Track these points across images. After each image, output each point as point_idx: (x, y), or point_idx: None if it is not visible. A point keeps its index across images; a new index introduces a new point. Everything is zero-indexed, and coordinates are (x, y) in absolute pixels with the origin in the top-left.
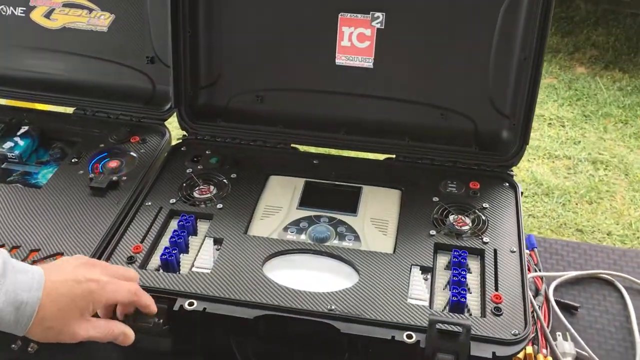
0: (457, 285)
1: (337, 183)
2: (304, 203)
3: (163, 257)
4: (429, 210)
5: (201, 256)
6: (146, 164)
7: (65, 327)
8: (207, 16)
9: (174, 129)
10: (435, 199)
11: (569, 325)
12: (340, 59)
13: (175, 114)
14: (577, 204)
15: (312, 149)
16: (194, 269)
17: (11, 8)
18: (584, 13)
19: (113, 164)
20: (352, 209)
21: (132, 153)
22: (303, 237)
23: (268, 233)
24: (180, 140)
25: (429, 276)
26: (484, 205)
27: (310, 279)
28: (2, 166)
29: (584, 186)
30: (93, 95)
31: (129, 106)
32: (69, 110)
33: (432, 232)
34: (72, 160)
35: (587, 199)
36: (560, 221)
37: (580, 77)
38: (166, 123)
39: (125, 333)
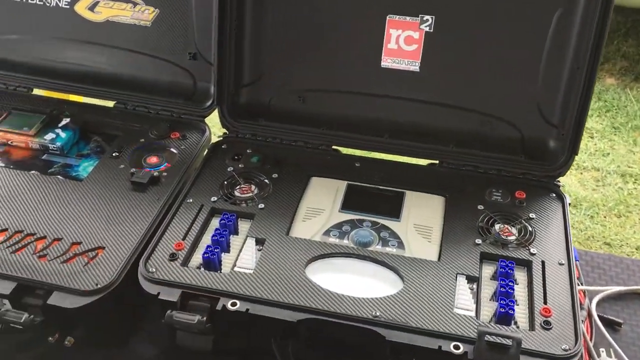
0: (505, 297)
1: (379, 187)
2: (346, 206)
3: (205, 255)
4: (474, 218)
5: (243, 256)
6: (186, 161)
7: None
8: (253, 13)
9: (214, 125)
10: (480, 207)
11: (612, 342)
12: (386, 62)
13: (215, 111)
14: (605, 217)
15: (354, 152)
16: (236, 269)
17: (56, 0)
18: (614, 24)
19: (153, 159)
20: (395, 214)
21: (172, 149)
22: (346, 240)
23: (310, 235)
24: (221, 138)
25: (474, 286)
26: (530, 215)
27: (353, 283)
28: (43, 157)
29: (612, 199)
30: (134, 90)
31: (169, 102)
32: (109, 103)
33: (478, 240)
34: (113, 154)
35: (616, 212)
36: (588, 234)
37: (610, 89)
38: (206, 120)
39: None
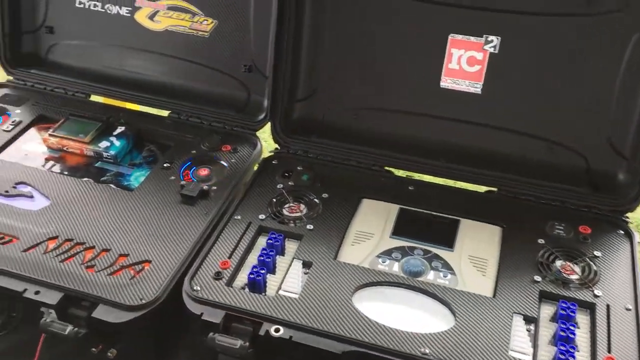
0: (565, 342)
1: (433, 213)
2: (397, 232)
3: (251, 276)
4: (533, 252)
5: (289, 279)
6: (236, 175)
7: None
8: (311, 29)
9: (264, 139)
10: (541, 241)
11: None
12: (446, 82)
13: (267, 125)
14: None
15: (408, 174)
16: (281, 292)
17: (117, 7)
18: None
19: (204, 171)
20: (449, 243)
21: (222, 162)
22: (395, 268)
23: (359, 261)
24: (272, 153)
25: (532, 327)
26: (595, 253)
27: (402, 315)
28: (97, 165)
29: None
30: (188, 100)
31: (222, 113)
32: (163, 112)
33: (537, 277)
34: (164, 165)
35: None
36: None
37: None
38: (257, 133)
39: None
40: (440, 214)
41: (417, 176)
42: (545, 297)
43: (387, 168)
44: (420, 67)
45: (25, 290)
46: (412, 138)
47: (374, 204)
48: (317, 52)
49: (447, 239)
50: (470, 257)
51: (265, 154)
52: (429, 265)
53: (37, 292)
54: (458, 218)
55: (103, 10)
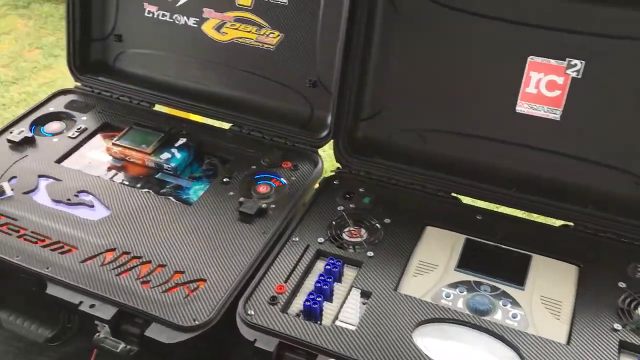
0: None
1: (502, 246)
2: (463, 264)
3: (307, 303)
4: (612, 297)
5: (346, 309)
6: (296, 194)
7: None
8: (381, 46)
9: (325, 157)
10: (622, 284)
11: None
12: (522, 107)
13: (330, 142)
14: None
15: (476, 202)
16: (337, 322)
17: (185, 17)
18: None
19: (263, 188)
20: (519, 280)
21: (282, 179)
22: (460, 304)
23: (421, 294)
24: (334, 173)
25: None
26: None
27: (466, 357)
28: (157, 176)
29: None
30: (250, 113)
31: (284, 128)
32: (224, 124)
33: (617, 325)
34: (224, 180)
35: None
36: None
37: None
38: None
39: None
40: (510, 248)
41: (485, 205)
42: (625, 347)
43: (453, 195)
44: (494, 90)
45: (80, 302)
46: (482, 164)
47: (439, 232)
48: (385, 70)
49: (517, 276)
50: (542, 298)
51: (326, 171)
52: (496, 304)
53: (92, 306)
54: (530, 253)
55: (171, 20)
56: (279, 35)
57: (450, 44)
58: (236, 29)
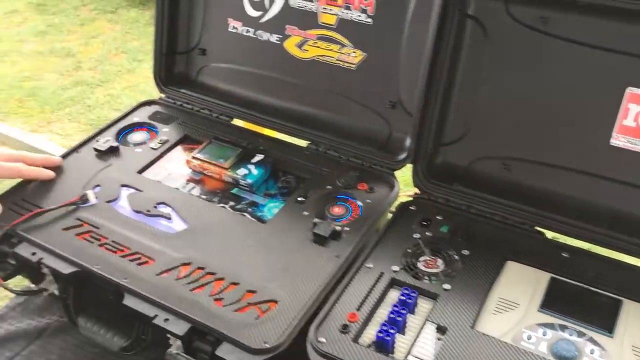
0: None
1: (590, 288)
2: (547, 305)
3: (379, 335)
4: None
5: (420, 343)
6: (370, 217)
7: None
8: (467, 70)
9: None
10: None
11: None
12: (617, 140)
13: (405, 166)
14: None
15: (563, 238)
16: (410, 358)
17: (268, 34)
18: None
19: (337, 210)
20: (608, 326)
21: (358, 201)
22: (543, 349)
23: (500, 333)
24: (411, 199)
25: None
26: None
27: None
28: (233, 191)
29: None
30: (328, 132)
31: (361, 149)
32: (300, 142)
33: None
34: (298, 199)
35: None
36: None
37: None
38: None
39: None
40: (600, 290)
41: (572, 241)
42: None
43: (538, 229)
44: (587, 121)
45: (155, 316)
46: (570, 198)
47: (521, 268)
48: (470, 95)
49: (606, 322)
50: (634, 349)
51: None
52: (583, 351)
53: (166, 320)
54: (620, 298)
55: (254, 36)
56: (361, 55)
57: (542, 70)
58: (318, 47)
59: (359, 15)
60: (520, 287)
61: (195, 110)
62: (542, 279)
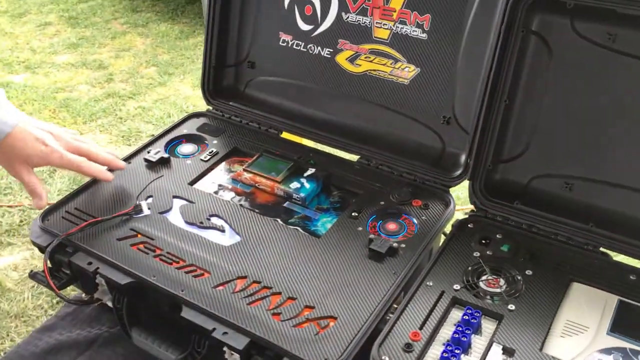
0: None
1: None
2: (617, 329)
3: (444, 355)
4: None
5: None
6: (426, 234)
7: (11, 164)
8: (528, 85)
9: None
10: None
11: None
12: None
13: (461, 183)
14: None
15: (630, 261)
16: None
17: (319, 48)
18: None
19: (392, 226)
20: None
21: (412, 218)
22: None
23: (569, 358)
24: (467, 216)
25: None
26: None
27: None
28: (284, 205)
29: None
30: (379, 147)
31: (414, 164)
32: (350, 156)
33: None
34: (352, 214)
35: None
36: None
37: None
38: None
39: (35, 192)
40: None
41: (638, 263)
42: None
43: (602, 250)
44: None
45: (214, 329)
46: (636, 219)
47: (587, 290)
48: (530, 110)
49: None
50: None
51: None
52: None
53: (225, 333)
54: None
55: (305, 50)
56: (414, 70)
57: (608, 88)
58: (370, 61)
59: (414, 30)
60: (587, 309)
61: (243, 122)
62: (609, 301)
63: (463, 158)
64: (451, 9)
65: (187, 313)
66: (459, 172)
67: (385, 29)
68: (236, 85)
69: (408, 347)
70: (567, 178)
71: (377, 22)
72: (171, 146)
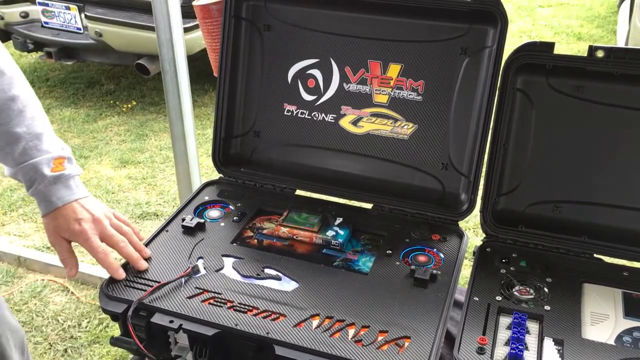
0: None
1: None
2: (629, 313)
3: (512, 351)
4: None
5: (547, 355)
6: (455, 261)
7: (50, 234)
8: (519, 131)
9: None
10: None
11: None
12: None
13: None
14: None
15: (620, 262)
16: None
17: (323, 114)
18: None
19: (422, 258)
20: None
21: (436, 250)
22: None
23: (604, 339)
24: (482, 242)
25: None
26: None
27: None
28: (322, 251)
29: None
30: (388, 194)
31: (422, 205)
32: (364, 204)
33: None
34: (387, 252)
35: None
36: None
37: None
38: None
39: (64, 263)
40: None
41: (625, 263)
42: None
43: (596, 255)
44: (624, 166)
45: None
46: (620, 229)
47: (596, 288)
48: (522, 153)
49: None
50: None
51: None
52: None
53: None
54: None
55: (309, 117)
56: (413, 127)
57: (581, 128)
58: (372, 122)
59: (410, 94)
60: (602, 302)
61: (257, 185)
62: (616, 294)
63: (463, 196)
64: (441, 75)
65: (280, 351)
66: (465, 207)
67: (384, 94)
68: (243, 153)
69: (481, 350)
70: (556, 202)
71: (376, 89)
72: (198, 212)
